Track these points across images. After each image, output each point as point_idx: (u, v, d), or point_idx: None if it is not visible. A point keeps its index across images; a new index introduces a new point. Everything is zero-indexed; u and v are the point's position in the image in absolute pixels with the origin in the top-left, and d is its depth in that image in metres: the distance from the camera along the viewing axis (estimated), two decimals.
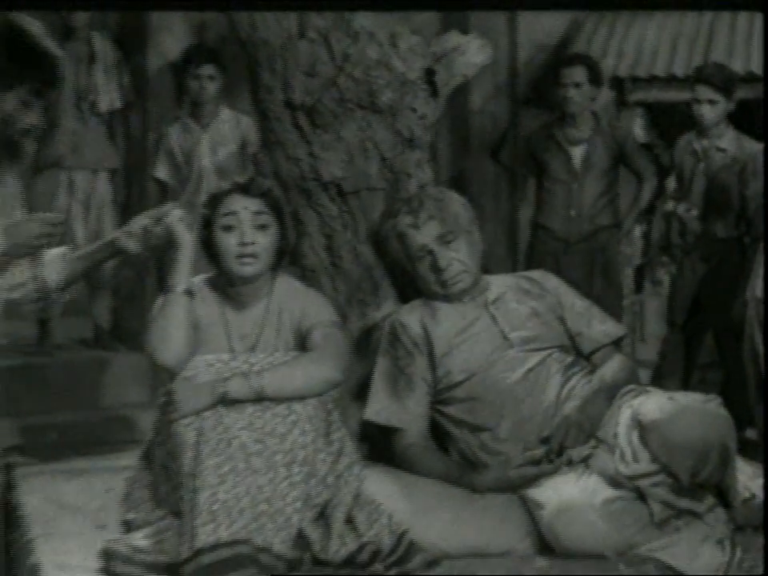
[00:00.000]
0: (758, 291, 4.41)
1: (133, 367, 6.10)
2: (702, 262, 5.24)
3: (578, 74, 5.62)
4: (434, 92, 3.62)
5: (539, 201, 5.82)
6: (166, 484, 3.04)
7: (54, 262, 3.11)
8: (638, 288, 6.63)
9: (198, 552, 2.76)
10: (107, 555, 2.90)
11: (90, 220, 6.12)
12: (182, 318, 3.06)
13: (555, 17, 6.94)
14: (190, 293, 3.07)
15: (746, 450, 3.29)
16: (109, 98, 6.14)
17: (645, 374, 5.02)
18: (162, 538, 2.91)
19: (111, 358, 6.23)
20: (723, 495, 2.98)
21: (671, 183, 5.89)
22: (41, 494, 3.53)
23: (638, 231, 6.34)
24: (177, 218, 3.08)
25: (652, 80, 6.45)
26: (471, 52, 3.62)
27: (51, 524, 3.27)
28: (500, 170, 6.60)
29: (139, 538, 2.92)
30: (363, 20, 3.50)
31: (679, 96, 5.93)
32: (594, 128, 5.69)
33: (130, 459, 3.52)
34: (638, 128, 6.42)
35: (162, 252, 3.25)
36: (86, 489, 3.60)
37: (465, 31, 3.90)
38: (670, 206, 5.75)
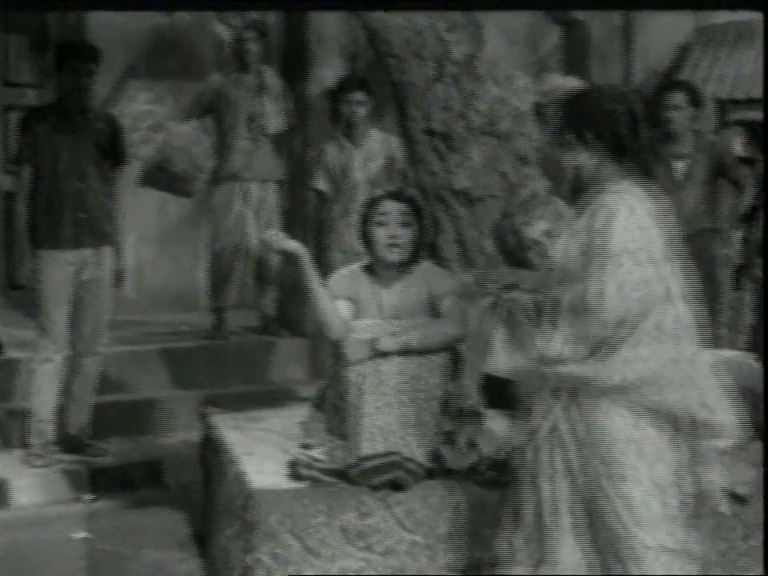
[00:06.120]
0: None
1: (295, 350, 6.75)
2: None
3: (678, 98, 5.92)
4: (541, 120, 4.12)
5: None
6: (335, 417, 3.73)
7: None
8: (738, 285, 7.08)
9: (362, 459, 3.49)
10: (293, 463, 3.62)
11: (260, 223, 6.57)
12: (330, 305, 3.73)
13: (666, 44, 7.42)
14: (323, 285, 3.72)
15: None
16: (275, 121, 6.66)
17: None
18: (334, 453, 3.61)
19: (276, 342, 6.78)
20: None
21: None
22: (237, 431, 4.20)
23: (739, 234, 6.78)
24: (281, 238, 3.69)
25: (750, 102, 6.80)
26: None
27: (249, 448, 3.93)
28: None
29: (316, 453, 3.64)
30: (484, 67, 4.07)
31: None
32: (695, 145, 5.97)
33: (297, 411, 4.21)
34: (737, 144, 6.70)
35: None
36: (269, 428, 4.21)
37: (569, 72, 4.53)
38: None
